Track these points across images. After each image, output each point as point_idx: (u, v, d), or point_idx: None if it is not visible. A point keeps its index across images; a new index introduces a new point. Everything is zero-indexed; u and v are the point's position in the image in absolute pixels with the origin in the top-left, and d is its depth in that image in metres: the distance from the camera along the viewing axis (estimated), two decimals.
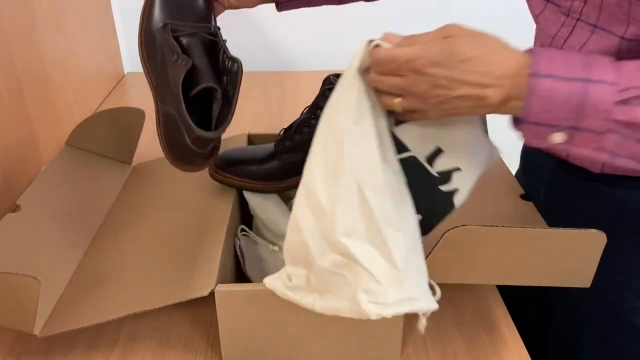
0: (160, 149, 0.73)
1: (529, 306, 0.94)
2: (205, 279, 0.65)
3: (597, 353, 0.82)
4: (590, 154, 0.53)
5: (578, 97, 0.50)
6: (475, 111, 0.55)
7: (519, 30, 0.87)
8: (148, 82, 0.71)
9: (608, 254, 0.64)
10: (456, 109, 0.54)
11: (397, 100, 0.55)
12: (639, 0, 0.58)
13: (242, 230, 0.82)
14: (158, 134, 0.70)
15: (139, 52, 0.71)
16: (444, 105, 0.54)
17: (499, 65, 0.52)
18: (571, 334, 0.85)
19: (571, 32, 0.68)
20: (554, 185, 0.83)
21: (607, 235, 0.61)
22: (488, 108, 0.54)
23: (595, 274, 0.66)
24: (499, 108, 0.53)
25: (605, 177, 0.73)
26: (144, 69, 0.71)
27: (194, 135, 0.66)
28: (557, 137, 0.52)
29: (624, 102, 0.50)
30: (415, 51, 0.53)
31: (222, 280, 0.66)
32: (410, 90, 0.54)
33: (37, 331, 0.65)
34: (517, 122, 0.54)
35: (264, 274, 0.65)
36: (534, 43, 0.77)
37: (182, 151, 0.69)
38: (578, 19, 0.67)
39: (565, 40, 0.69)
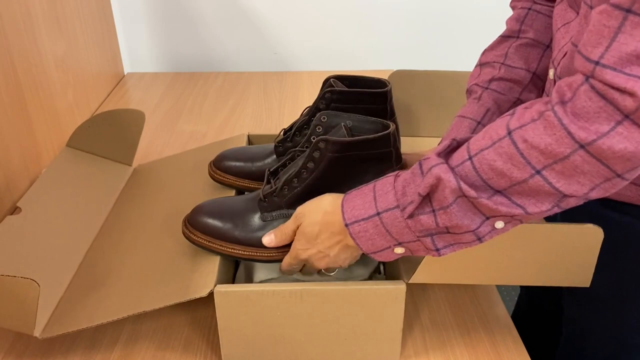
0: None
1: (538, 323, 0.94)
2: (205, 279, 0.65)
3: None
4: (427, 253, 0.60)
5: (381, 227, 0.60)
6: (350, 254, 0.66)
7: None
8: None
9: (612, 285, 0.64)
10: (338, 260, 0.67)
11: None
12: None
13: None
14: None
15: None
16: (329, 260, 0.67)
17: (334, 226, 0.63)
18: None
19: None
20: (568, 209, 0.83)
21: (610, 265, 0.62)
22: (354, 250, 0.65)
23: (598, 303, 0.67)
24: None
25: (611, 202, 0.72)
26: None
27: None
28: (398, 251, 0.61)
29: (411, 216, 0.58)
30: (291, 255, 0.68)
31: (221, 280, 0.66)
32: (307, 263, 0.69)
33: (37, 333, 0.65)
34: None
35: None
36: None
37: None
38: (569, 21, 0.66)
39: (565, 54, 0.67)
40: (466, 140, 0.57)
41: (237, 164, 0.82)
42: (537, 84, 0.81)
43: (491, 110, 0.79)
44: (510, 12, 0.84)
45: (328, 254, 0.65)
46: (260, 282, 0.73)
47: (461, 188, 0.54)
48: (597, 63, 0.47)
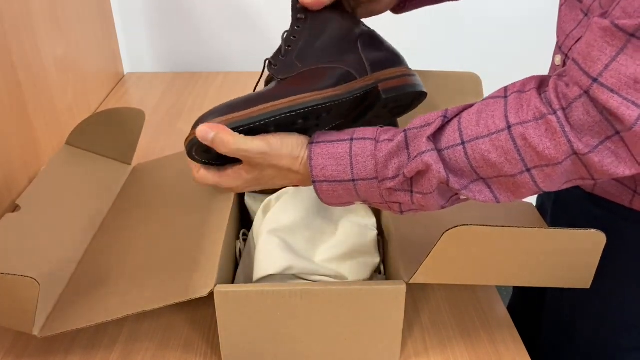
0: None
1: (523, 310, 0.94)
2: (205, 279, 0.65)
3: None
4: (389, 211, 0.60)
5: (353, 191, 0.59)
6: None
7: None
8: None
9: (596, 285, 0.66)
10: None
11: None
12: None
13: (244, 234, 0.82)
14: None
15: None
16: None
17: (294, 177, 0.62)
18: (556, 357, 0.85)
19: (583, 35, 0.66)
20: (560, 202, 0.83)
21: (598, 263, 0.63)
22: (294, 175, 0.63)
23: (582, 302, 0.68)
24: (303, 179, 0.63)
25: (598, 199, 0.72)
26: None
27: None
28: (359, 203, 0.61)
29: (387, 189, 0.58)
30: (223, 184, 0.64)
31: (221, 280, 0.66)
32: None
33: (36, 331, 0.65)
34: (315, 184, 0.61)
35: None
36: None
37: None
38: None
39: (576, 41, 0.67)
40: (456, 114, 0.57)
41: None
42: None
43: None
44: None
45: (265, 184, 0.64)
46: (260, 279, 0.73)
47: (449, 181, 0.54)
48: (595, 80, 0.48)
